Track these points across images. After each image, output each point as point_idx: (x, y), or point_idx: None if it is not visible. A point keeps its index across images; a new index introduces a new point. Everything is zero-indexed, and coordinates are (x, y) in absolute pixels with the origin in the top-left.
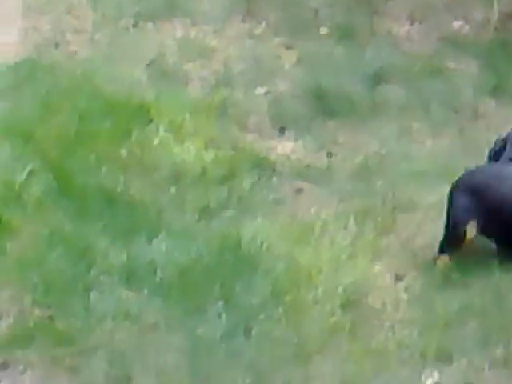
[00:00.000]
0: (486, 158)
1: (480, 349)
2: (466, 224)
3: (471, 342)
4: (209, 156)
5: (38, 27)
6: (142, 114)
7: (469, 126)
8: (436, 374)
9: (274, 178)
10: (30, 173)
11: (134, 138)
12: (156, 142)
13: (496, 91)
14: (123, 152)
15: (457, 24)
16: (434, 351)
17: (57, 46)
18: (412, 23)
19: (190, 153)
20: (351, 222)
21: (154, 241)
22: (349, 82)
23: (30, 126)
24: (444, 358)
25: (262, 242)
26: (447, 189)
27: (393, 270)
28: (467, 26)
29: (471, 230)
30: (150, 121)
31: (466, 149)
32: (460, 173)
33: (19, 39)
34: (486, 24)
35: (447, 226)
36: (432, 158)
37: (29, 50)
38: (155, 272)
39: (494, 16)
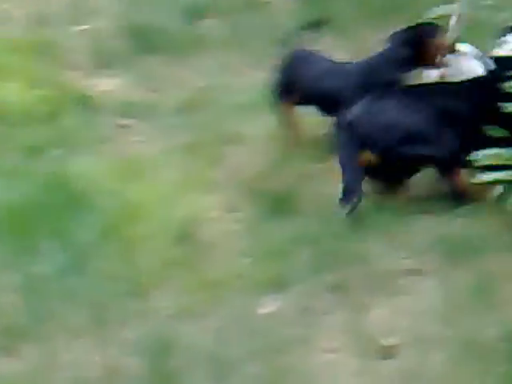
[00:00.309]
0: None
1: (314, 275)
2: None
3: (305, 269)
4: (32, 96)
5: None
6: None
7: None
8: (272, 302)
9: (99, 116)
10: None
11: None
12: None
13: (316, 23)
14: None
15: None
16: (269, 280)
17: None
18: None
19: (12, 93)
20: (179, 156)
21: None
22: (168, 17)
23: None
24: (279, 286)
25: (90, 180)
26: (270, 119)
27: (224, 201)
28: None
29: None
30: None
31: None
32: None
33: None
34: None
35: None
36: (253, 91)
37: None
38: None
39: None
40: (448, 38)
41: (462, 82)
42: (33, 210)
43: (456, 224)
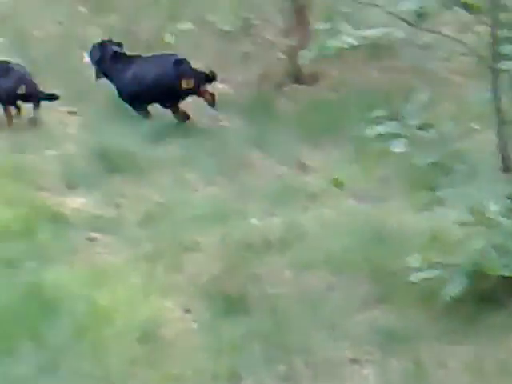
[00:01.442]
0: None
1: (265, 367)
2: None
3: (257, 361)
4: (8, 214)
5: None
6: None
7: (237, 175)
8: None
9: (69, 230)
10: None
11: None
12: None
13: (258, 142)
14: None
15: (220, 86)
16: (226, 373)
17: None
18: None
19: None
20: (142, 264)
21: None
22: (129, 142)
23: None
24: (234, 378)
25: (62, 287)
26: (227, 230)
27: (182, 304)
28: (229, 87)
29: None
30: None
31: (235, 193)
32: (233, 214)
33: None
34: (246, 84)
35: None
36: (207, 204)
37: None
38: None
39: (253, 77)
40: None
41: None
42: (10, 316)
43: (392, 314)
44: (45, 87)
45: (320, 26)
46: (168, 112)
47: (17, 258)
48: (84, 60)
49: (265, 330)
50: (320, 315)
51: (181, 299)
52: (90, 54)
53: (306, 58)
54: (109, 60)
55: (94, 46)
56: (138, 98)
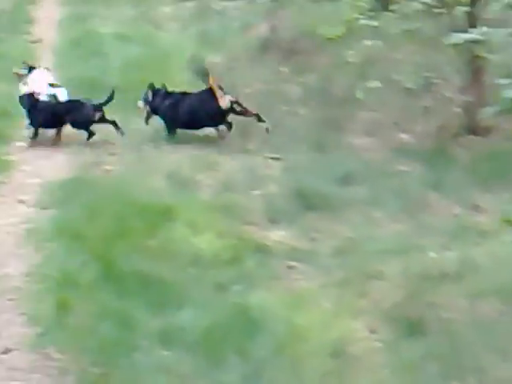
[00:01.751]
0: None
1: None
2: None
3: (434, 379)
4: (219, 244)
5: (81, 153)
6: (166, 214)
7: (418, 213)
8: None
9: (271, 260)
10: (82, 263)
11: (160, 232)
12: (177, 235)
13: (436, 185)
14: (153, 243)
15: (403, 136)
16: None
17: (96, 166)
18: (369, 137)
19: (204, 242)
20: (333, 290)
21: (182, 311)
22: (323, 183)
23: (79, 227)
24: None
25: (264, 309)
26: (408, 262)
27: (368, 325)
28: (411, 137)
29: None
30: (172, 219)
31: (415, 229)
32: (413, 248)
33: (66, 162)
34: (426, 135)
35: None
36: (391, 238)
37: (74, 170)
38: (184, 335)
39: (432, 129)
40: None
41: None
42: (220, 332)
43: None
44: (252, 137)
45: (501, 81)
46: (361, 154)
47: (226, 282)
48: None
49: (441, 351)
50: (492, 339)
51: (367, 321)
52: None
53: (487, 113)
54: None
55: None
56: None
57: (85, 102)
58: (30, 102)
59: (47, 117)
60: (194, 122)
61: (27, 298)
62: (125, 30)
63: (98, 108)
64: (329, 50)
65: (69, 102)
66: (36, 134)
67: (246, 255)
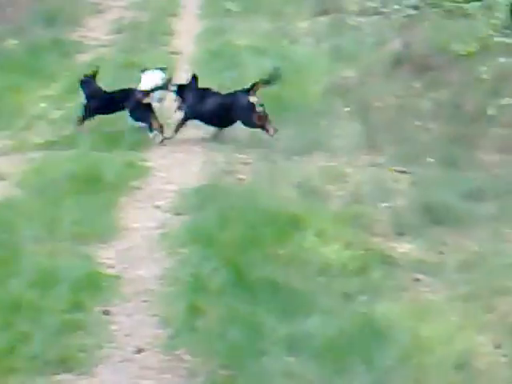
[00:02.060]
0: None
1: None
2: None
3: None
4: (347, 254)
5: (214, 161)
6: (296, 224)
7: None
8: None
9: (397, 271)
10: (214, 268)
11: (290, 241)
12: (306, 244)
13: None
14: (282, 252)
15: None
16: None
17: (229, 174)
18: (500, 153)
19: (332, 252)
20: (458, 303)
21: (309, 319)
22: (452, 198)
23: (212, 233)
24: None
25: (390, 319)
26: None
27: (493, 340)
28: None
29: None
30: (302, 228)
31: None
32: None
33: (200, 169)
34: None
35: None
36: None
37: (208, 177)
38: (311, 342)
39: None
40: None
41: None
42: (345, 340)
43: None
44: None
45: None
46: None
47: (353, 292)
48: None
49: None
50: None
51: (492, 336)
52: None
53: None
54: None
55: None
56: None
57: None
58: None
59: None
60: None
61: (160, 301)
62: (261, 44)
63: None
64: (461, 67)
65: None
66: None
67: (373, 266)
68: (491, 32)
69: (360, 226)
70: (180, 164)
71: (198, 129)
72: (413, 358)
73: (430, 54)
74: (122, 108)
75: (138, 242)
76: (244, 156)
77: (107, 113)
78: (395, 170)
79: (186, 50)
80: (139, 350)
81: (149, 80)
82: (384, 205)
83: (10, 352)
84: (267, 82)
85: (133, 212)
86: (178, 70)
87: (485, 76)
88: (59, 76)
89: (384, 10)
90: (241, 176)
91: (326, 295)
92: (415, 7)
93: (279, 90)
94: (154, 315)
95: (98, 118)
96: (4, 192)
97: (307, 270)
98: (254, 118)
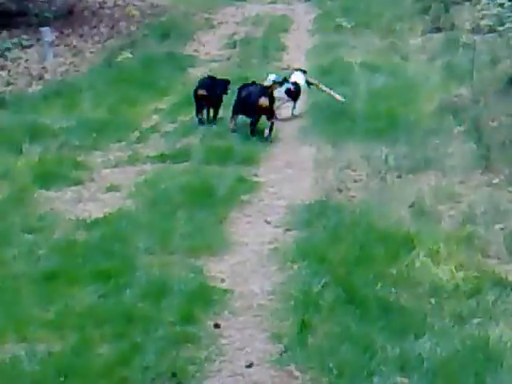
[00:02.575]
0: None
1: None
2: None
3: None
4: (459, 275)
5: (325, 177)
6: (407, 243)
7: None
8: None
9: (511, 294)
10: (324, 285)
11: (401, 260)
12: (418, 264)
13: None
14: (393, 271)
15: None
16: None
17: (340, 191)
18: None
19: (444, 273)
20: None
21: (420, 339)
22: None
23: (322, 250)
24: None
25: (505, 344)
26: None
27: None
28: None
29: None
30: (413, 248)
31: None
32: None
33: (311, 186)
34: None
35: None
36: None
37: (319, 193)
38: (422, 363)
39: None
40: None
41: None
42: (459, 363)
43: None
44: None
45: None
46: None
47: (465, 313)
48: None
49: None
50: None
51: None
52: None
53: None
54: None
55: None
56: None
57: None
58: None
59: None
60: None
61: (270, 316)
62: (373, 60)
63: None
64: None
65: None
66: None
67: (486, 288)
68: None
69: (473, 248)
70: (291, 180)
71: (310, 145)
72: None
73: None
74: None
75: (249, 256)
76: (355, 173)
77: None
78: (510, 191)
79: (297, 65)
80: (250, 365)
81: (296, 78)
82: (498, 226)
83: (122, 362)
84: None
85: (243, 227)
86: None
87: None
88: (172, 89)
89: (499, 28)
90: (352, 193)
91: (438, 316)
92: None
93: (390, 106)
94: (265, 330)
95: (209, 132)
96: (117, 203)
97: (419, 290)
98: None
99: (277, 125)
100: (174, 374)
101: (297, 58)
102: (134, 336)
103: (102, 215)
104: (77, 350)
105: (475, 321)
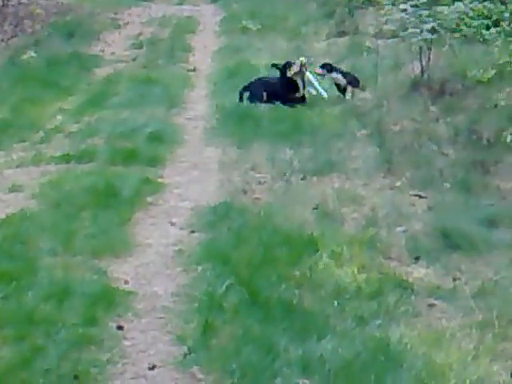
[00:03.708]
0: None
1: None
2: None
3: None
4: (362, 277)
5: (231, 179)
6: (311, 245)
7: None
8: None
9: (412, 296)
10: (228, 287)
11: (304, 262)
12: (321, 266)
13: None
14: (297, 273)
15: None
16: None
17: (245, 193)
18: None
19: (347, 275)
20: (473, 331)
21: (323, 341)
22: (468, 224)
23: (227, 252)
24: None
25: (405, 344)
26: None
27: (509, 368)
28: None
29: None
30: (317, 250)
31: None
32: None
33: (217, 187)
34: None
35: None
36: None
37: (224, 195)
38: (324, 364)
39: None
40: None
41: None
42: (360, 365)
43: None
44: (398, 174)
45: None
46: (508, 197)
47: (367, 315)
48: None
49: None
50: None
51: (507, 364)
52: None
53: None
54: None
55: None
56: None
57: None
58: None
59: None
60: None
61: (174, 318)
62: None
63: None
64: (479, 92)
65: None
66: None
67: (388, 290)
68: (509, 59)
69: (375, 250)
70: (196, 181)
71: (215, 147)
72: None
73: (448, 79)
74: None
75: (153, 258)
76: (260, 175)
77: None
78: (412, 195)
79: (202, 67)
80: (153, 367)
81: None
82: (400, 229)
83: (23, 365)
84: None
85: (148, 228)
86: (194, 86)
87: (502, 103)
88: (77, 89)
89: (402, 33)
90: (257, 195)
91: (340, 318)
92: (433, 32)
93: (297, 110)
94: (169, 332)
95: (114, 133)
96: (20, 204)
97: (321, 292)
98: None
99: (182, 125)
100: (75, 377)
101: (203, 59)
102: (36, 338)
103: (4, 216)
104: None
105: (377, 322)
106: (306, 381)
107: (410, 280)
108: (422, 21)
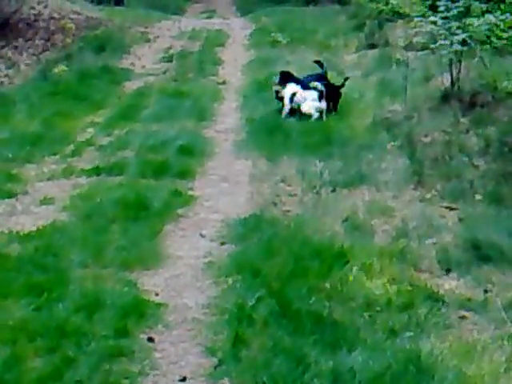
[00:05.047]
0: None
1: None
2: None
3: None
4: (392, 289)
5: (261, 191)
6: (341, 258)
7: None
8: None
9: (443, 308)
10: (258, 299)
11: (335, 274)
12: (351, 278)
13: None
14: (327, 285)
15: None
16: None
17: (275, 205)
18: None
19: (377, 287)
20: (505, 342)
21: (353, 353)
22: (499, 235)
23: (257, 264)
24: None
25: (436, 356)
26: None
27: None
28: None
29: None
30: (347, 262)
31: None
32: None
33: (247, 200)
34: None
35: None
36: None
37: (254, 207)
38: (355, 376)
39: None
40: None
41: None
42: (391, 377)
43: None
44: (428, 186)
45: None
46: None
47: (398, 327)
48: None
49: None
50: None
51: None
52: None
53: None
54: None
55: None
56: None
57: None
58: None
59: None
60: None
61: (204, 329)
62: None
63: None
64: (509, 104)
65: None
66: None
67: (419, 302)
68: None
69: (406, 262)
70: (226, 194)
71: (245, 159)
72: None
73: (478, 91)
74: None
75: (183, 270)
76: (290, 187)
77: None
78: (443, 206)
79: (232, 80)
80: (183, 379)
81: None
82: (431, 241)
83: (55, 376)
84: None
85: (178, 240)
86: (224, 99)
87: None
88: (107, 103)
89: (431, 45)
90: (287, 207)
91: (371, 330)
92: (463, 44)
93: (326, 122)
94: (199, 344)
95: (144, 146)
96: (51, 216)
97: (352, 304)
98: None
99: (212, 138)
100: None
101: (233, 72)
102: (67, 350)
103: (35, 228)
104: (9, 363)
105: (407, 334)
106: None
107: (441, 292)
108: (452, 33)
